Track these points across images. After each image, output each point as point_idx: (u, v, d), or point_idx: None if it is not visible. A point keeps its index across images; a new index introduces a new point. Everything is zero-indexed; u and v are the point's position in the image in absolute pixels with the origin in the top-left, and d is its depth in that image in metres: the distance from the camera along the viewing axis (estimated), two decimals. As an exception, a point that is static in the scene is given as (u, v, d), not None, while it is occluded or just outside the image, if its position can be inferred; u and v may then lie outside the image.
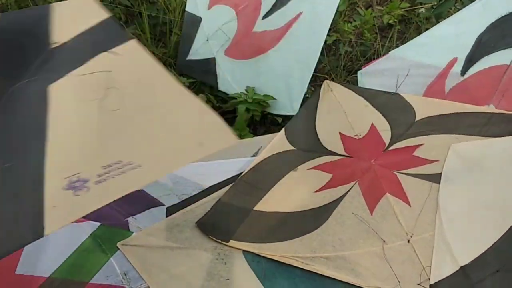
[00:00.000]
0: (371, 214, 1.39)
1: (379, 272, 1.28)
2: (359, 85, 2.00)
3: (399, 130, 1.65)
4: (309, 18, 1.97)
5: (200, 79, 2.26)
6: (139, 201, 1.45)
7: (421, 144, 1.58)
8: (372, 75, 1.99)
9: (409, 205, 1.41)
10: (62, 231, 1.30)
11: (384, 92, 1.76)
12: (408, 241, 1.34)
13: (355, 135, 1.66)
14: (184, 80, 2.15)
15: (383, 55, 2.39)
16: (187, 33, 2.27)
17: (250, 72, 2.11)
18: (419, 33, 2.58)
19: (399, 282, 1.26)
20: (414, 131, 1.63)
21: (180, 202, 1.46)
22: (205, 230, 1.37)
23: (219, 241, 1.35)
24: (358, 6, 2.64)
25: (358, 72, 2.05)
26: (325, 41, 2.11)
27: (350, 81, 2.38)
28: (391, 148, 1.60)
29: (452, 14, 2.42)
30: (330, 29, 2.02)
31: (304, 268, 1.30)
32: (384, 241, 1.33)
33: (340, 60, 2.43)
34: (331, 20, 1.94)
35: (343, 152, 1.60)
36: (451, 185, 1.43)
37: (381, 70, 1.96)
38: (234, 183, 1.52)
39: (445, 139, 1.57)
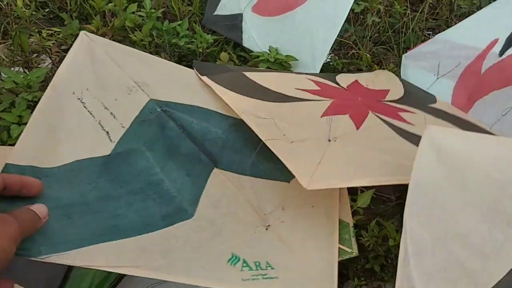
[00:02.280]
0: (320, 117, 1.45)
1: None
2: (402, 67, 2.02)
3: (406, 101, 1.72)
4: (339, -21, 1.92)
5: (224, 34, 2.23)
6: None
7: (412, 112, 1.61)
8: (415, 58, 1.98)
9: (357, 129, 1.44)
10: None
11: (424, 91, 1.88)
12: (329, 140, 1.34)
13: (366, 85, 1.81)
14: (208, 37, 2.12)
15: (412, 28, 2.36)
16: (216, -12, 2.25)
17: (275, 30, 2.07)
18: (451, 10, 2.53)
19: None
20: (418, 106, 1.68)
21: None
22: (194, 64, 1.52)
23: (197, 73, 1.48)
24: (390, -23, 2.59)
25: (403, 55, 2.04)
26: (353, 10, 2.07)
27: (375, 53, 2.34)
28: (386, 102, 1.68)
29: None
30: (359, -3, 1.98)
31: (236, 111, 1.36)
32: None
33: (367, 30, 2.38)
34: (361, -16, 1.89)
35: (344, 86, 1.76)
36: (422, 196, 1.10)
37: (425, 52, 1.94)
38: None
39: (438, 122, 1.58)
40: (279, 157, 1.21)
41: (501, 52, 1.75)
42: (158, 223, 1.07)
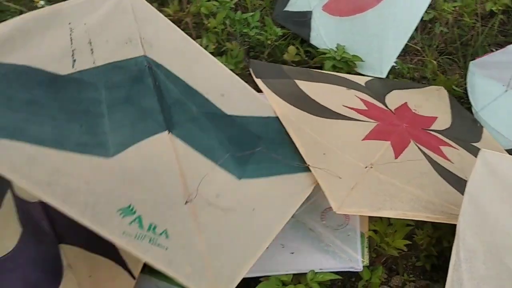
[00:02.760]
0: (362, 140, 1.50)
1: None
2: (468, 74, 2.03)
3: (452, 133, 1.73)
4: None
5: (293, 30, 2.30)
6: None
7: (455, 148, 1.63)
8: (483, 66, 1.99)
9: (395, 158, 1.46)
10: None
11: (473, 119, 1.91)
12: (366, 167, 1.39)
13: (414, 109, 1.83)
14: (278, 31, 2.20)
15: (481, 42, 2.36)
16: (288, -15, 2.32)
17: (344, 30, 2.12)
18: (522, 27, 2.51)
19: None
20: (461, 143, 1.69)
21: None
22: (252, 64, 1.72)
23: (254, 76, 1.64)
24: (461, -12, 2.58)
25: (471, 62, 2.04)
26: (422, 18, 2.10)
27: (441, 62, 2.35)
28: (431, 132, 1.70)
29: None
30: (429, 5, 2.00)
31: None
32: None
33: (434, 39, 2.39)
34: (433, -8, 1.92)
35: (391, 109, 1.78)
36: (475, 209, 1.19)
37: (495, 62, 1.95)
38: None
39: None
40: (319, 182, 1.30)
41: None
42: (69, 145, 1.04)
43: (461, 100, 2.10)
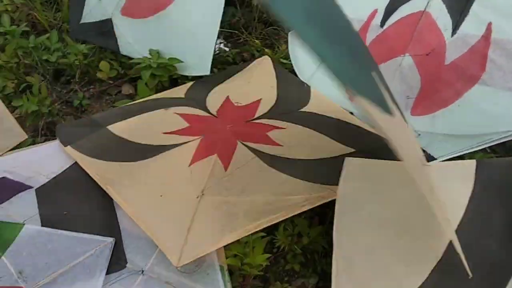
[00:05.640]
0: (189, 166, 1.44)
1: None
2: (289, 45, 1.99)
3: (277, 110, 1.71)
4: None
5: (98, 43, 2.04)
6: (3, 189, 1.38)
7: (282, 128, 1.61)
8: None
9: (225, 169, 1.43)
10: None
11: (300, 81, 1.86)
12: (197, 197, 1.34)
13: (236, 102, 1.75)
14: (82, 48, 1.93)
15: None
16: (76, -6, 2.04)
17: (152, 31, 1.92)
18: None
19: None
20: (287, 116, 1.67)
21: (50, 180, 1.45)
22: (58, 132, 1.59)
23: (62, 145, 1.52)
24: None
25: (289, 32, 2.00)
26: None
27: (266, 34, 2.23)
28: (255, 121, 1.65)
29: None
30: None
31: (99, 184, 1.40)
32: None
33: (253, 11, 2.26)
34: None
35: (214, 112, 1.70)
36: (349, 212, 1.25)
37: None
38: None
39: (306, 132, 1.60)
40: (153, 239, 1.24)
41: (382, 23, 1.74)
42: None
43: (293, 72, 1.99)
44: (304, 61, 1.89)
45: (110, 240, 1.27)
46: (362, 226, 1.22)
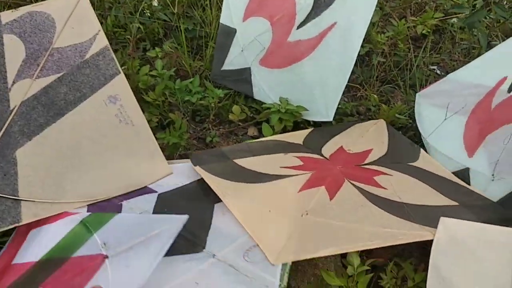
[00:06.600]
0: (298, 192, 1.60)
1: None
2: (416, 105, 2.13)
3: (386, 160, 1.86)
4: (344, 28, 1.99)
5: (235, 88, 2.30)
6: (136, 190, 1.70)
7: (389, 174, 1.74)
8: (428, 96, 2.09)
9: (330, 199, 1.55)
10: (58, 223, 1.52)
11: (410, 142, 2.02)
12: (302, 215, 1.49)
13: (348, 149, 1.94)
14: (219, 92, 2.19)
15: (417, 65, 2.41)
16: (222, 45, 2.32)
17: (285, 81, 2.13)
18: (454, 43, 2.58)
19: None
20: (395, 166, 1.81)
21: (172, 189, 1.70)
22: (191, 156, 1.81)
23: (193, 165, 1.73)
24: (391, 17, 2.65)
25: (417, 94, 2.14)
26: (358, 52, 2.13)
27: (383, 92, 2.39)
28: (365, 166, 1.80)
29: (484, 24, 2.43)
30: (363, 40, 2.03)
31: (218, 194, 1.58)
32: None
33: (373, 70, 2.43)
34: (365, 31, 1.95)
35: (327, 156, 1.88)
36: (437, 278, 1.34)
37: (437, 91, 2.06)
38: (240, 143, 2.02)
39: (411, 181, 1.71)
40: (256, 241, 1.41)
41: (510, 89, 1.83)
42: None
43: (406, 127, 2.16)
44: (427, 118, 2.03)
45: (185, 216, 1.40)
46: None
